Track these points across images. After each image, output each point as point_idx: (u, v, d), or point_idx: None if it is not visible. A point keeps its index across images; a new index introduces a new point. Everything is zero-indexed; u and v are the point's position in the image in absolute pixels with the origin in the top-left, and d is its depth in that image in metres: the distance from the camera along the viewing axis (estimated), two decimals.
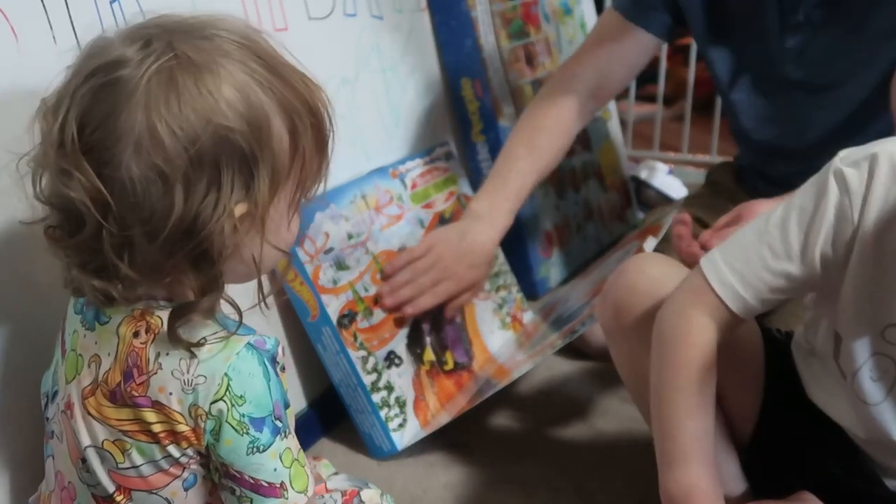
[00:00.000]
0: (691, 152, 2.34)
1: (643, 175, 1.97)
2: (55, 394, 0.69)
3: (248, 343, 0.62)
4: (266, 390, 0.62)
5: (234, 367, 0.61)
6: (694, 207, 1.42)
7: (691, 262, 0.93)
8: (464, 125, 1.54)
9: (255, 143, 0.59)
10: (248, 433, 0.61)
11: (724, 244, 0.76)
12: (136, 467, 0.63)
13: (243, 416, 0.61)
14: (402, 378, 1.15)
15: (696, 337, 0.74)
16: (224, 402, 0.60)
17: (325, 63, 1.20)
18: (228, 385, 0.60)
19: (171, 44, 0.58)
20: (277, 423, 0.63)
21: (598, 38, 1.31)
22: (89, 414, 0.64)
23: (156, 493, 0.64)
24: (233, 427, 0.61)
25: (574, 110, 1.27)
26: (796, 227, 0.71)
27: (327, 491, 0.80)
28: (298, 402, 1.16)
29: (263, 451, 0.62)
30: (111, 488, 0.65)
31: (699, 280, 0.75)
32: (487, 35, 1.53)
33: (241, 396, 0.61)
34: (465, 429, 1.18)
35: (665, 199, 1.90)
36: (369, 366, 1.11)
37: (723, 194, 1.41)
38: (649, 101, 2.53)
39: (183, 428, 0.61)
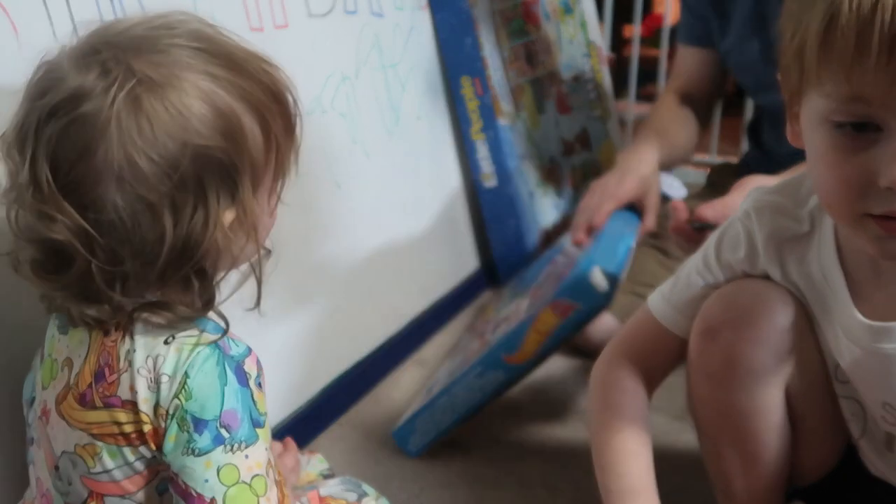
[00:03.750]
0: None
1: None
2: (33, 399, 0.69)
3: (214, 343, 0.61)
4: (217, 393, 0.59)
5: (193, 364, 0.59)
6: (694, 206, 1.42)
7: (680, 238, 0.99)
8: (463, 123, 1.53)
9: (234, 152, 0.59)
10: (187, 431, 0.59)
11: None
12: (107, 471, 0.62)
13: (186, 412, 0.59)
14: None
15: (627, 382, 0.80)
16: (178, 398, 0.59)
17: (326, 60, 1.20)
18: (185, 382, 0.59)
19: (130, 67, 0.56)
20: (223, 431, 0.59)
21: (677, 71, 1.50)
22: (63, 419, 0.63)
23: (129, 499, 0.63)
24: (177, 422, 0.59)
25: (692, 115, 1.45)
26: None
27: (321, 499, 0.79)
28: (300, 397, 1.16)
29: (198, 455, 0.59)
30: (84, 494, 0.63)
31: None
32: (488, 33, 1.52)
33: (189, 392, 0.59)
34: (463, 427, 1.18)
35: (665, 199, 1.89)
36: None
37: (724, 194, 1.41)
38: (650, 100, 2.53)
39: (147, 427, 0.60)
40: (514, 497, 1.05)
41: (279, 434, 1.05)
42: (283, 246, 1.10)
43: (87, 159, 0.56)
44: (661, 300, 0.81)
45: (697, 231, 1.01)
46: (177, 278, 0.60)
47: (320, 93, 1.18)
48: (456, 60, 1.51)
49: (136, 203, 0.56)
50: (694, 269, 0.80)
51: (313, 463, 0.90)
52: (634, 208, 1.32)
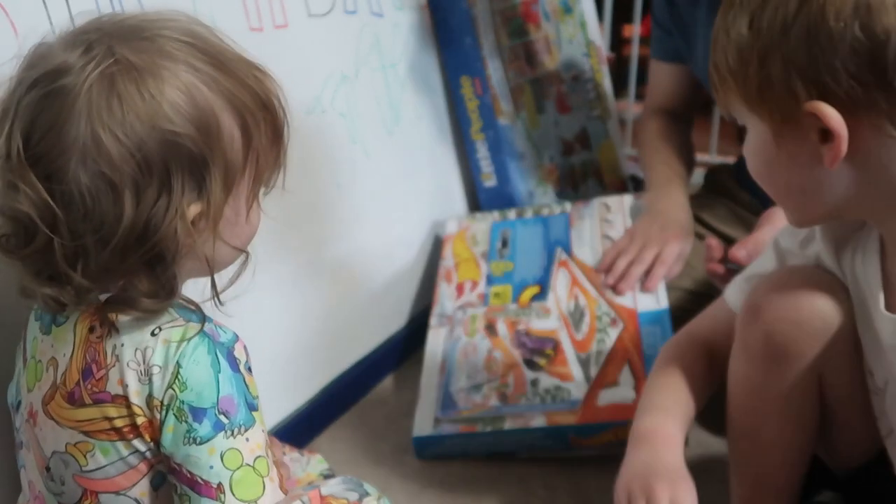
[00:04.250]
0: None
1: (643, 174, 1.97)
2: (19, 403, 0.69)
3: (202, 332, 0.61)
4: (212, 381, 0.60)
5: (184, 354, 0.60)
6: (693, 207, 1.42)
7: (716, 278, 1.00)
8: (463, 123, 1.53)
9: (205, 145, 0.58)
10: (186, 421, 0.59)
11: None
12: (101, 468, 0.62)
13: (183, 402, 0.59)
14: None
15: (688, 354, 0.87)
16: (173, 389, 0.59)
17: (325, 60, 1.20)
18: (178, 372, 0.59)
19: (112, 48, 0.57)
20: (222, 417, 0.60)
21: (654, 89, 1.49)
22: (51, 419, 0.63)
23: (124, 494, 0.63)
24: (174, 414, 0.60)
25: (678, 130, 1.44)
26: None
27: (322, 498, 0.79)
28: (300, 397, 1.16)
29: (200, 443, 0.60)
30: (78, 493, 0.63)
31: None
32: (487, 33, 1.52)
33: (184, 383, 0.59)
34: None
35: None
36: None
37: (722, 194, 1.41)
38: None
39: (142, 420, 0.60)
40: (514, 497, 1.05)
41: (280, 434, 1.05)
42: (283, 246, 1.10)
43: (55, 131, 0.56)
44: (733, 285, 0.85)
45: (731, 272, 1.01)
46: (136, 264, 0.59)
47: (320, 93, 1.18)
48: (456, 60, 1.51)
49: (97, 180, 0.56)
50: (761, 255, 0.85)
51: (313, 463, 0.89)
52: None
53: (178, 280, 0.61)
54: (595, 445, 1.09)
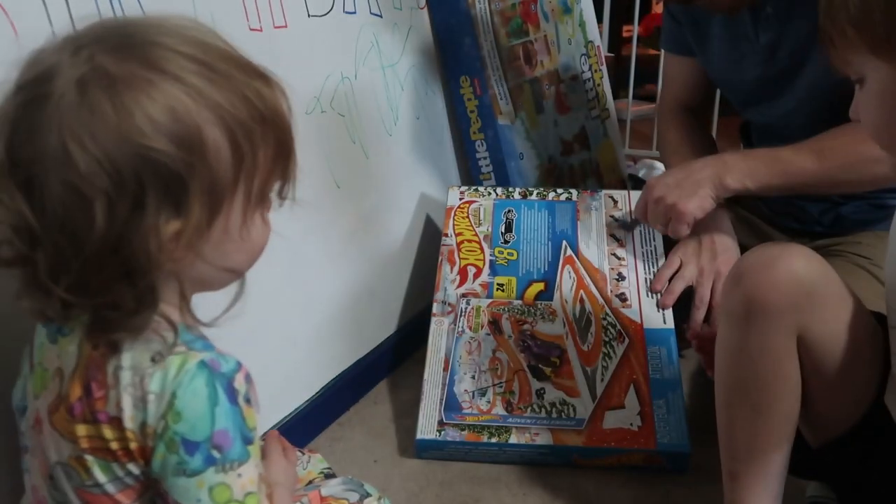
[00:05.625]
0: None
1: (641, 174, 1.98)
2: (25, 408, 0.68)
3: (201, 361, 0.59)
4: (207, 414, 0.58)
5: (181, 384, 0.58)
6: None
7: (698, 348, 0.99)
8: (462, 123, 1.54)
9: (183, 161, 0.55)
10: (177, 453, 0.58)
11: None
12: (99, 485, 0.61)
13: (176, 433, 0.57)
14: None
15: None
16: (166, 419, 0.58)
17: (325, 60, 1.20)
18: (173, 402, 0.58)
19: (93, 56, 0.55)
20: (214, 452, 0.58)
21: (670, 82, 1.49)
22: (55, 429, 0.62)
23: None
24: (165, 444, 0.58)
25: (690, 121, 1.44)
26: None
27: (322, 499, 0.78)
28: (300, 397, 1.16)
29: (190, 476, 0.58)
30: None
31: None
32: (486, 33, 1.52)
33: (178, 413, 0.58)
34: None
35: None
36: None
37: None
38: (648, 100, 2.54)
39: (134, 445, 0.59)
40: (513, 497, 1.06)
41: (280, 434, 1.05)
42: (282, 246, 1.10)
43: (32, 140, 0.55)
44: None
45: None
46: (113, 278, 0.57)
47: (319, 93, 1.18)
48: (455, 60, 1.51)
49: (69, 190, 0.54)
50: None
51: (313, 462, 0.89)
52: None
53: (157, 293, 0.59)
54: (597, 466, 1.10)
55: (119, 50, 0.56)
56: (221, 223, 0.59)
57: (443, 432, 1.11)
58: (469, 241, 1.32)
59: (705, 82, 1.41)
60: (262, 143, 0.60)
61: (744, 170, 1.12)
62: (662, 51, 1.51)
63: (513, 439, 1.10)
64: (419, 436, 1.12)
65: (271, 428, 1.07)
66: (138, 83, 0.55)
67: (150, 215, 0.55)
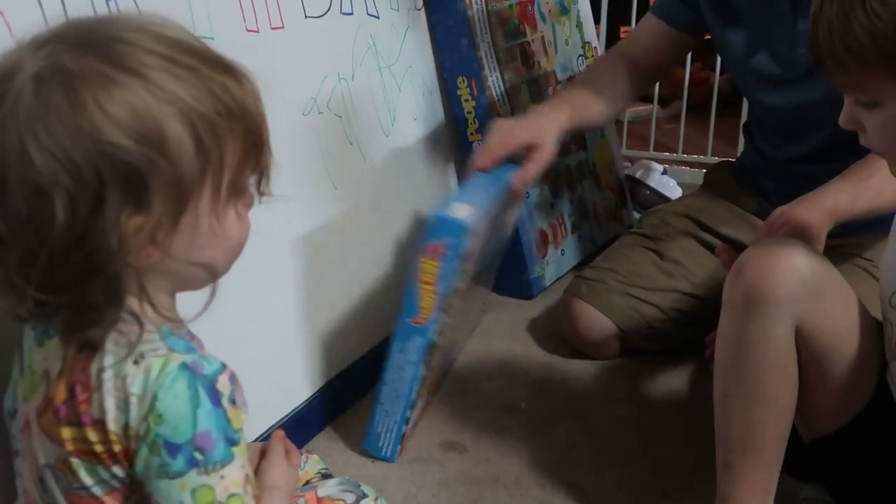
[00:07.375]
0: (686, 152, 2.34)
1: (638, 175, 1.98)
2: (15, 411, 0.68)
3: (183, 363, 0.58)
4: (189, 416, 0.58)
5: (162, 386, 0.58)
6: (691, 207, 1.43)
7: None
8: (460, 124, 1.54)
9: (142, 156, 0.55)
10: (159, 455, 0.58)
11: None
12: (86, 488, 0.61)
13: (158, 435, 0.58)
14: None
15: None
16: (147, 421, 0.58)
17: (322, 61, 1.20)
18: (154, 404, 0.58)
19: (53, 52, 0.55)
20: (197, 454, 0.58)
21: (634, 35, 1.46)
22: (43, 432, 0.62)
23: None
24: (147, 446, 0.58)
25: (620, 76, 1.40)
26: None
27: (318, 500, 0.78)
28: (297, 397, 1.16)
29: (173, 478, 0.58)
30: None
31: None
32: (484, 34, 1.53)
33: (160, 416, 0.58)
34: (459, 427, 1.18)
35: (661, 199, 1.90)
36: (423, 387, 1.14)
37: (721, 193, 1.41)
38: (645, 101, 2.54)
39: (118, 447, 0.59)
40: (511, 497, 1.06)
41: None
42: (280, 246, 1.11)
43: None
44: None
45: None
46: (79, 275, 0.57)
47: (316, 94, 1.18)
48: (452, 61, 1.51)
49: (29, 187, 0.54)
50: None
51: (310, 463, 0.89)
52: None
53: (123, 288, 0.58)
54: (431, 310, 1.07)
55: (79, 46, 0.56)
56: (190, 218, 0.59)
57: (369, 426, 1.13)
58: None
59: (670, 53, 1.41)
60: (230, 136, 0.59)
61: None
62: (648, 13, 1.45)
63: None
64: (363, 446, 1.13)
65: (270, 428, 1.07)
66: (96, 78, 0.54)
67: (111, 210, 0.55)
